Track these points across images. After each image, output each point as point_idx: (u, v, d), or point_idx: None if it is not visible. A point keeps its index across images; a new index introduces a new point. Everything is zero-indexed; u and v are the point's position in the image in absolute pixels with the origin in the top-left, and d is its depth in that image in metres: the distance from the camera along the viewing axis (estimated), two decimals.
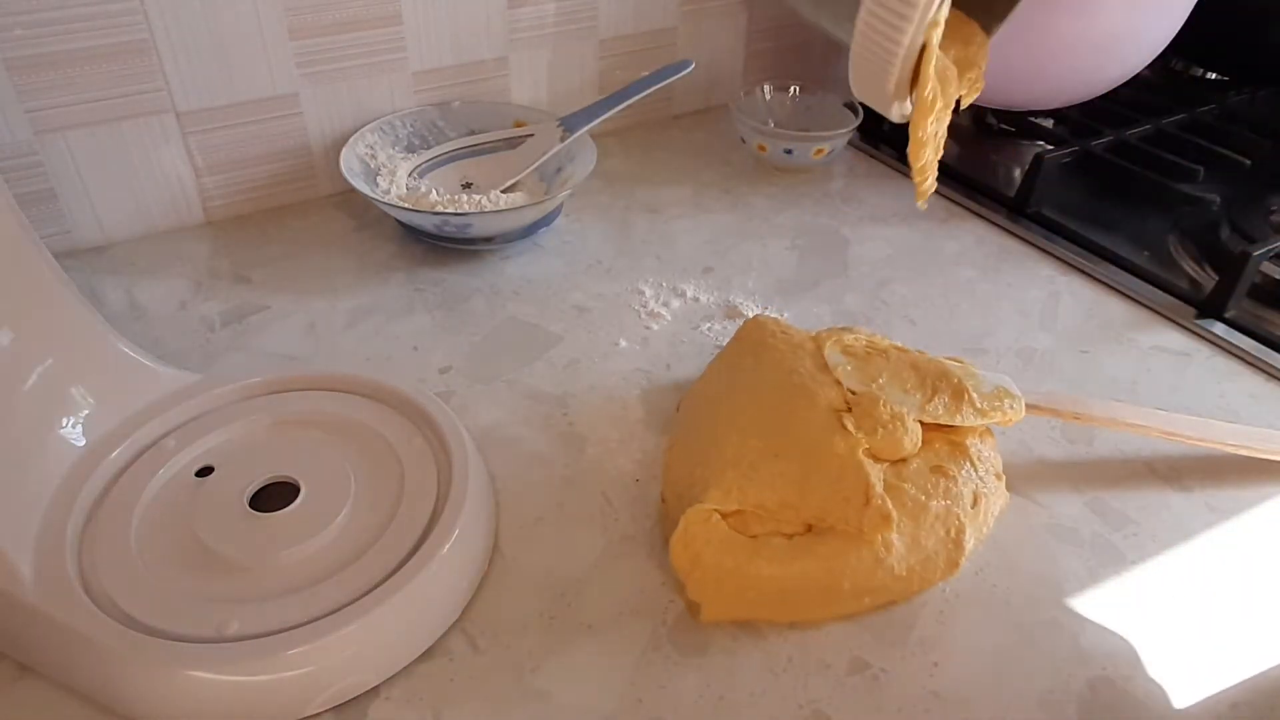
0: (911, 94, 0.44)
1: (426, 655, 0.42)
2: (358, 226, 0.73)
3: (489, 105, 0.77)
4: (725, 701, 0.41)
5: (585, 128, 0.71)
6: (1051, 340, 0.63)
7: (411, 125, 0.75)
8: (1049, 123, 0.87)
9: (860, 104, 0.83)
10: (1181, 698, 0.42)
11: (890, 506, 0.44)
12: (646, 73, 0.75)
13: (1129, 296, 0.68)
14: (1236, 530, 0.50)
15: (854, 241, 0.73)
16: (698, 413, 0.52)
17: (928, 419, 0.48)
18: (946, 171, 0.81)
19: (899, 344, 0.54)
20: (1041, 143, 0.87)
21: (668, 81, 0.73)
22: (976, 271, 0.70)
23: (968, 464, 0.48)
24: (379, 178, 0.71)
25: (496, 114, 0.77)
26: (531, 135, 0.73)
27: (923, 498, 0.46)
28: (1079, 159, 0.78)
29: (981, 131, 0.91)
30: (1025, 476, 0.53)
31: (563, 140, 0.71)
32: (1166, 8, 0.74)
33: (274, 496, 0.46)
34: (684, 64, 0.74)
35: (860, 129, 0.81)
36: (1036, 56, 0.74)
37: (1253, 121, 0.86)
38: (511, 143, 0.74)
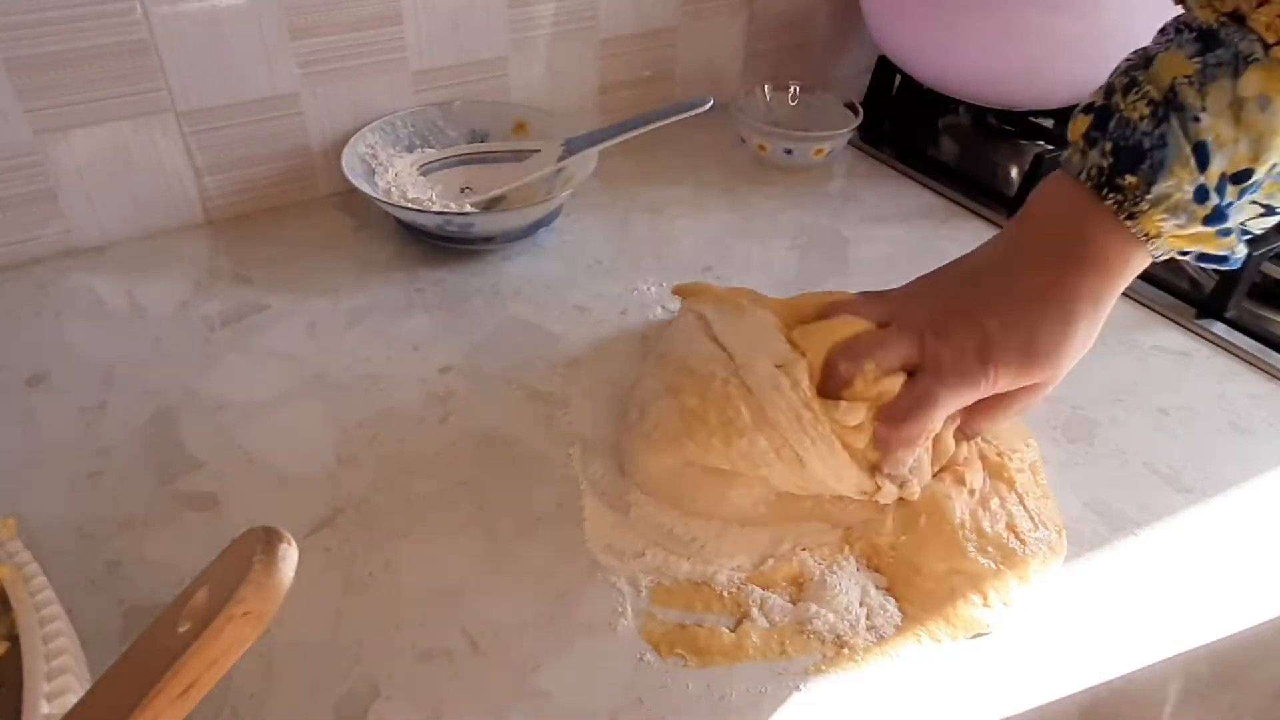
0: None
1: (427, 655, 0.42)
2: (358, 226, 0.73)
3: (489, 105, 0.77)
4: (726, 701, 0.41)
5: (585, 150, 0.71)
6: None
7: (412, 125, 0.75)
8: (1049, 123, 0.87)
9: (860, 104, 0.83)
10: (1184, 698, 0.42)
11: None
12: (662, 105, 0.73)
13: (1129, 296, 0.67)
14: (1236, 530, 0.50)
15: (854, 241, 0.73)
16: None
17: None
18: (946, 171, 0.82)
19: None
20: (1041, 143, 0.86)
21: (681, 116, 0.72)
22: None
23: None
24: (379, 177, 0.71)
25: (497, 114, 0.77)
26: (538, 151, 0.73)
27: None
28: None
29: (981, 131, 0.91)
30: None
31: (559, 160, 0.71)
32: (1166, 7, 0.74)
33: None
34: (702, 100, 0.72)
35: (860, 129, 0.81)
36: (1036, 56, 0.74)
37: None
38: (519, 155, 0.75)
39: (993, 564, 0.46)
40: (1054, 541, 0.48)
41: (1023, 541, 0.47)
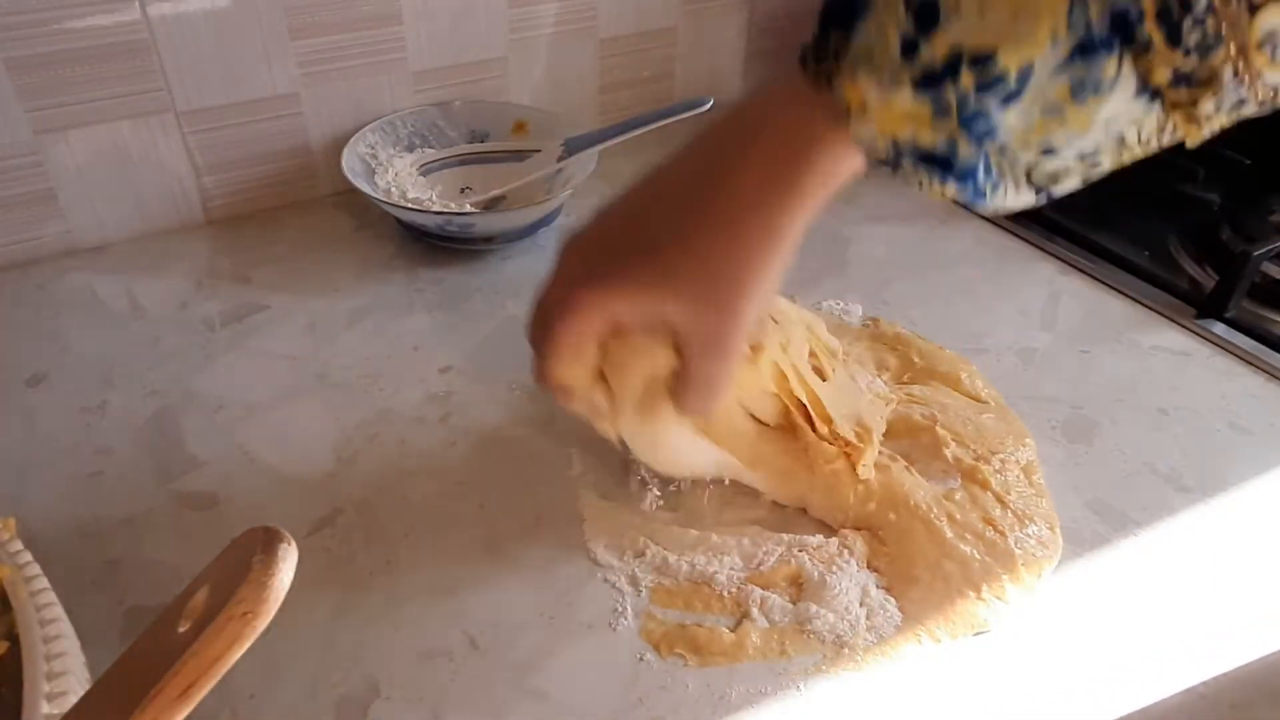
0: None
1: (427, 655, 0.42)
2: (358, 226, 0.73)
3: (489, 105, 0.77)
4: (725, 701, 0.41)
5: (585, 151, 0.71)
6: (1051, 340, 0.63)
7: (412, 125, 0.75)
8: None
9: None
10: (1184, 696, 0.42)
11: None
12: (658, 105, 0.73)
13: (1129, 296, 0.68)
14: (1236, 530, 0.50)
15: (854, 241, 0.73)
16: None
17: None
18: None
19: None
20: None
21: (681, 116, 0.71)
22: (977, 271, 0.70)
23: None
24: (379, 177, 0.71)
25: (497, 114, 0.77)
26: (539, 151, 0.73)
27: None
28: None
29: None
30: None
31: (560, 161, 0.71)
32: None
33: None
34: (702, 100, 0.72)
35: None
36: None
37: (1253, 121, 0.86)
38: (519, 155, 0.75)
39: (976, 552, 0.46)
40: (1047, 538, 0.48)
41: (1000, 533, 0.47)
